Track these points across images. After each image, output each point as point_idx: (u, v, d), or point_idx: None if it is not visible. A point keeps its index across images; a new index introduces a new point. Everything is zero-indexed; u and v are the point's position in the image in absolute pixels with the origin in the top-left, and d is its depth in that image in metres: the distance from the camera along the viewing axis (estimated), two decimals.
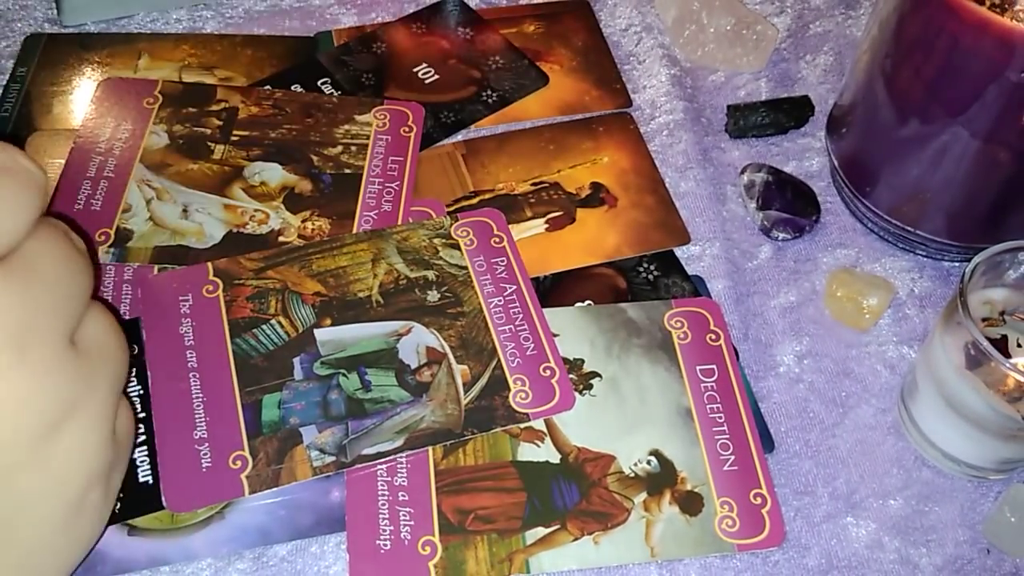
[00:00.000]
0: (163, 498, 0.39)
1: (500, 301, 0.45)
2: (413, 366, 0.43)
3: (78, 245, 0.31)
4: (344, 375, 0.42)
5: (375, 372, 0.43)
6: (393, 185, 0.50)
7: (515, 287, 0.46)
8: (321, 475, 0.40)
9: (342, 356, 0.43)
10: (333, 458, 0.40)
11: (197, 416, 0.41)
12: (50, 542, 0.31)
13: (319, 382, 0.42)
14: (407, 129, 0.52)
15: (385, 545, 0.39)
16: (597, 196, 0.51)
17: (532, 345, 0.44)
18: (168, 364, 0.42)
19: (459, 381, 0.43)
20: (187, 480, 0.39)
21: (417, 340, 0.44)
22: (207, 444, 0.40)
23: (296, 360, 0.43)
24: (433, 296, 0.45)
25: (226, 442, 0.40)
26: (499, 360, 0.43)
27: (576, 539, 0.40)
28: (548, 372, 0.43)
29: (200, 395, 0.41)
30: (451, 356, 0.43)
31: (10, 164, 0.29)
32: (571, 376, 0.44)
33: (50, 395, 0.29)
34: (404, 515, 0.40)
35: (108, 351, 0.32)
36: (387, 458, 0.40)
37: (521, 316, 0.45)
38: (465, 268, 0.46)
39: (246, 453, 0.40)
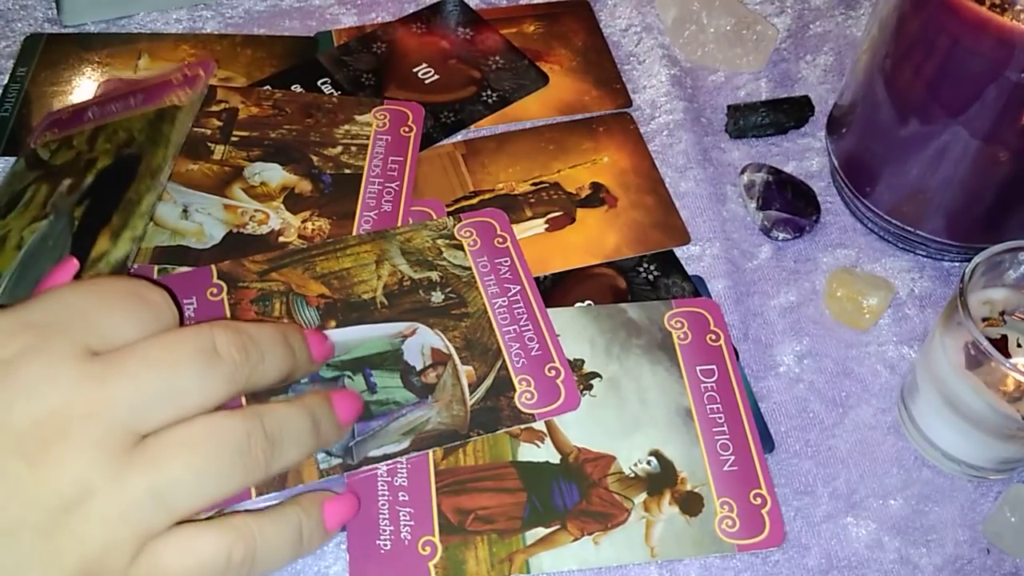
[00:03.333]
0: None
1: (504, 301, 0.45)
2: (418, 367, 0.43)
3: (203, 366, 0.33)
4: (349, 377, 0.42)
5: (380, 374, 0.43)
6: (393, 185, 0.50)
7: (519, 287, 0.46)
8: (328, 477, 0.40)
9: (347, 358, 0.43)
10: (339, 460, 0.40)
11: None
12: None
13: (324, 384, 0.42)
14: (407, 129, 0.52)
15: (385, 545, 0.39)
16: (597, 196, 0.51)
17: (537, 345, 0.44)
18: None
19: (464, 382, 0.43)
20: None
21: (422, 341, 0.44)
22: None
23: None
24: (437, 297, 0.45)
25: None
26: (504, 361, 0.43)
27: (576, 539, 0.40)
28: (553, 372, 0.43)
29: None
30: (456, 357, 0.43)
31: (150, 296, 0.34)
32: None
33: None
34: (404, 515, 0.40)
35: (167, 460, 0.31)
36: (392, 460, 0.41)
37: (525, 316, 0.45)
38: (469, 269, 0.46)
39: None
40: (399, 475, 0.41)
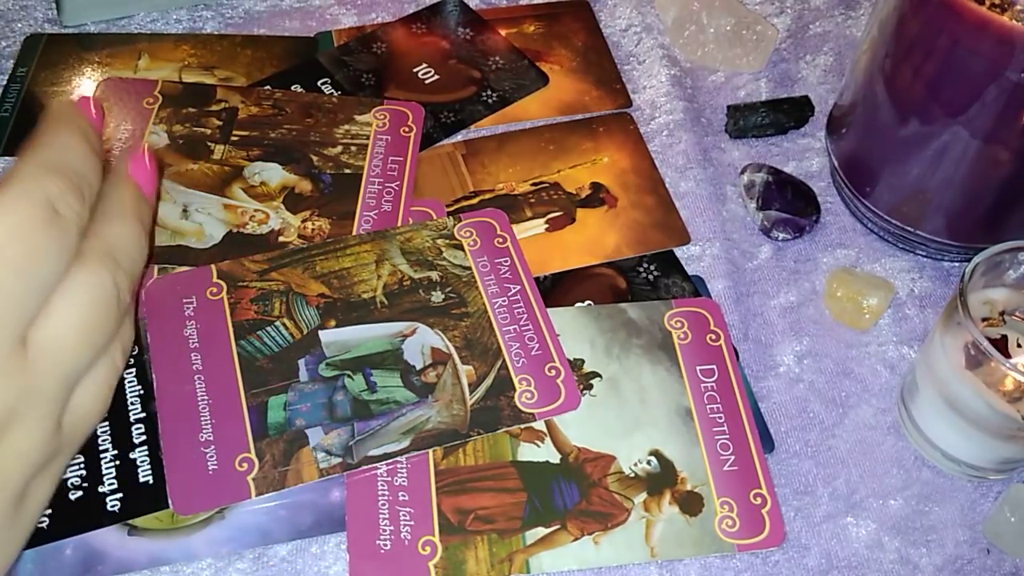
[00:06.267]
0: (170, 501, 0.39)
1: (504, 301, 0.45)
2: (418, 367, 0.43)
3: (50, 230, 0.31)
4: (349, 376, 0.42)
5: (380, 373, 0.43)
6: (393, 185, 0.50)
7: (519, 287, 0.46)
8: (328, 477, 0.40)
9: (347, 357, 0.43)
10: (339, 459, 0.40)
11: (203, 418, 0.41)
12: None
13: (324, 384, 0.42)
14: (407, 129, 0.52)
15: (385, 545, 0.39)
16: (597, 196, 0.51)
17: (537, 345, 0.44)
18: (173, 367, 0.42)
19: (464, 382, 0.43)
20: (194, 483, 0.39)
21: (422, 341, 0.44)
22: (213, 447, 0.40)
23: (301, 362, 0.43)
24: (437, 297, 0.45)
25: (232, 444, 0.40)
26: (504, 360, 0.43)
27: (576, 539, 0.40)
28: (553, 372, 0.43)
29: (205, 397, 0.41)
30: (456, 357, 0.43)
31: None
32: None
33: None
34: (404, 515, 0.40)
35: (65, 348, 0.31)
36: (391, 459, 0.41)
37: (525, 316, 0.45)
38: (469, 269, 0.46)
39: (252, 455, 0.40)
40: (399, 475, 0.41)
